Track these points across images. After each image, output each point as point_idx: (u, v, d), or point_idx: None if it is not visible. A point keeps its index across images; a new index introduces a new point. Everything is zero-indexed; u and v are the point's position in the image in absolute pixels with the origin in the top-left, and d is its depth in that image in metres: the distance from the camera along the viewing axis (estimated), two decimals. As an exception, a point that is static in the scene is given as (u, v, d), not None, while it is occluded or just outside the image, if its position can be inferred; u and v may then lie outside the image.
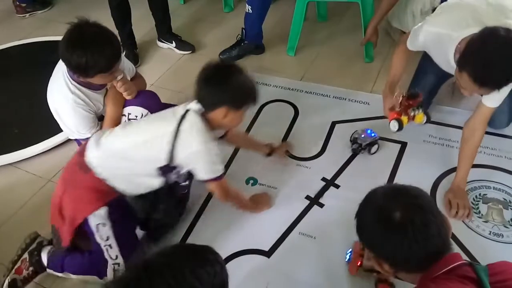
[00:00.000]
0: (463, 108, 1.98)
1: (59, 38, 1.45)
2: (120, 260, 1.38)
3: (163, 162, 1.34)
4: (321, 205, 1.66)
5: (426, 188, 1.69)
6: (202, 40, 2.74)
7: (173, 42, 2.63)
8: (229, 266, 1.44)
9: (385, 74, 2.26)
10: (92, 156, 1.38)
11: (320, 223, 1.60)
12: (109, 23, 2.40)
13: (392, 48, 2.44)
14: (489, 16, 1.37)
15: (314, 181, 1.75)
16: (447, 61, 1.47)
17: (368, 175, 1.69)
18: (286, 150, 1.84)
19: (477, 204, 1.62)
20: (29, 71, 2.46)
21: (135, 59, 2.49)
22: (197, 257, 0.85)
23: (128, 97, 1.63)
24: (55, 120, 1.64)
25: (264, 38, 2.52)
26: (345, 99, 2.15)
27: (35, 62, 2.54)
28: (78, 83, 1.54)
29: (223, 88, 1.34)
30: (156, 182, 1.40)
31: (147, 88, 1.87)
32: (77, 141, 1.71)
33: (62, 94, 1.54)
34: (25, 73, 2.46)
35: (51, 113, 1.62)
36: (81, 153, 1.41)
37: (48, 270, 1.48)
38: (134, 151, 1.36)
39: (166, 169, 1.36)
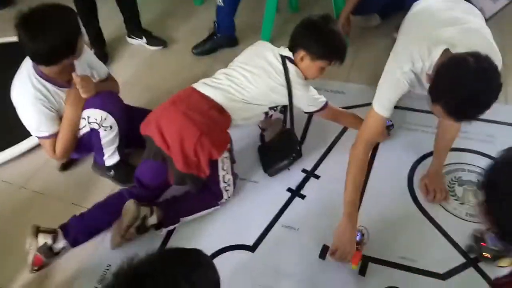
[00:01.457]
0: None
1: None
2: (230, 182, 1.60)
3: (283, 103, 1.61)
4: (303, 197, 1.67)
5: (404, 173, 1.73)
6: (173, 35, 2.68)
7: (144, 37, 2.57)
8: (214, 263, 1.47)
9: (358, 63, 2.29)
10: (223, 100, 1.51)
11: (302, 214, 1.61)
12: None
13: (365, 35, 2.47)
14: (447, 31, 1.33)
15: (295, 173, 1.76)
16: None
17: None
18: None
19: (453, 187, 1.67)
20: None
21: (105, 57, 2.42)
22: (188, 262, 0.83)
23: (83, 95, 1.55)
24: (23, 124, 1.58)
25: (237, 31, 2.50)
26: (321, 89, 2.13)
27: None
28: (43, 77, 1.48)
29: (316, 33, 1.52)
30: (262, 116, 1.65)
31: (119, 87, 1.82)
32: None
33: (23, 88, 1.49)
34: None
35: (17, 116, 1.56)
36: (204, 96, 1.50)
37: (163, 230, 1.54)
38: (262, 97, 1.55)
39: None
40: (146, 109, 1.73)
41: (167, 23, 2.80)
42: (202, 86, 1.54)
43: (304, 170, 1.76)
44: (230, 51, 2.47)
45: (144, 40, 2.57)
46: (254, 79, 1.53)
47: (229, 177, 1.59)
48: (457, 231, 1.52)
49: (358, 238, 1.41)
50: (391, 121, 1.80)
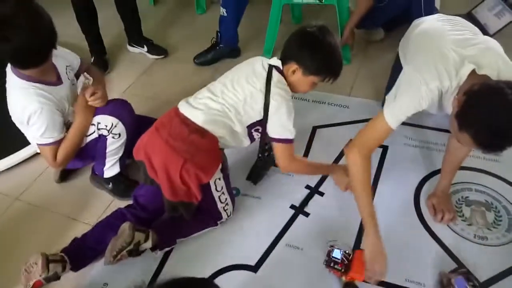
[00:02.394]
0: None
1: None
2: (228, 201, 1.54)
3: (258, 117, 1.43)
4: (307, 214, 1.63)
5: (410, 192, 1.69)
6: (174, 44, 2.65)
7: (145, 46, 2.52)
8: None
9: (362, 76, 2.27)
10: (204, 121, 1.41)
11: (306, 233, 1.56)
12: (73, 27, 2.29)
13: (369, 49, 2.45)
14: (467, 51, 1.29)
15: (298, 190, 1.71)
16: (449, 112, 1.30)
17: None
18: None
19: (460, 207, 1.63)
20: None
21: (105, 66, 2.38)
22: None
23: (100, 105, 1.52)
24: (20, 134, 1.52)
25: (240, 41, 2.47)
26: (324, 102, 2.13)
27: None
28: (34, 81, 1.40)
29: (308, 46, 1.39)
30: (248, 140, 1.51)
31: (118, 96, 1.77)
32: None
33: (21, 94, 1.41)
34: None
35: (13, 125, 1.50)
36: (184, 120, 1.41)
37: (158, 252, 1.49)
38: (240, 108, 1.42)
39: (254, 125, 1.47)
40: (152, 118, 1.68)
41: (168, 31, 2.77)
42: (185, 107, 1.44)
43: (307, 187, 1.72)
44: (232, 62, 2.43)
45: (145, 48, 2.52)
46: (232, 86, 1.43)
47: (225, 196, 1.53)
48: (465, 253, 1.47)
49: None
50: None
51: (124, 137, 1.57)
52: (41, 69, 1.39)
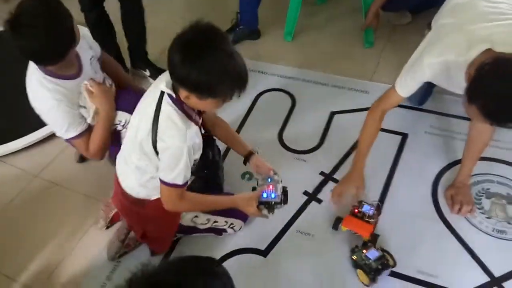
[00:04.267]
0: (466, 97, 1.90)
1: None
2: (229, 220, 1.47)
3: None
4: (319, 201, 1.61)
5: (428, 182, 1.64)
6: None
7: (147, 70, 2.20)
8: (224, 266, 1.43)
9: (386, 61, 2.19)
10: (133, 190, 1.33)
11: (318, 220, 1.55)
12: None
13: (394, 33, 2.36)
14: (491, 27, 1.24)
15: (312, 176, 1.69)
16: (461, 88, 1.26)
17: (368, 168, 1.61)
18: (269, 172, 1.44)
19: (480, 199, 1.57)
20: (10, 62, 2.32)
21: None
22: (205, 272, 0.79)
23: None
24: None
25: (260, 23, 2.42)
26: (344, 87, 2.07)
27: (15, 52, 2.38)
28: (53, 76, 1.41)
29: (189, 64, 1.04)
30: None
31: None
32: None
33: (40, 96, 1.41)
34: (5, 65, 2.31)
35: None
36: (124, 194, 1.35)
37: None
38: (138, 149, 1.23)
39: None
40: None
41: (188, 11, 2.74)
42: (119, 172, 1.38)
43: (322, 173, 1.70)
44: (252, 44, 2.40)
45: (148, 73, 2.20)
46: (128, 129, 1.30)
47: (219, 220, 1.45)
48: (482, 247, 1.43)
49: (371, 211, 1.42)
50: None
51: None
52: (59, 65, 1.39)
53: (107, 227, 1.56)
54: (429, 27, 1.60)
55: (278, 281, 1.40)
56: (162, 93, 1.15)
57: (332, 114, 1.94)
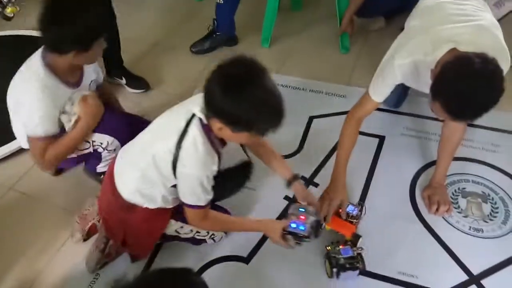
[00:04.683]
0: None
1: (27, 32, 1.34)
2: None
3: (172, 181, 1.23)
4: (300, 205, 1.61)
5: (406, 183, 1.67)
6: (168, 32, 2.60)
7: (123, 78, 2.14)
8: (206, 275, 1.41)
9: (361, 66, 2.23)
10: (128, 193, 1.29)
11: (299, 224, 1.55)
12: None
13: (369, 38, 2.41)
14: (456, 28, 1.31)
15: (293, 180, 1.69)
16: (429, 87, 1.30)
17: (347, 171, 1.63)
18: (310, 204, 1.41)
19: (456, 199, 1.61)
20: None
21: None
22: (182, 283, 0.79)
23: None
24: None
25: (237, 29, 2.43)
26: (322, 92, 2.10)
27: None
28: (51, 70, 1.40)
29: (230, 98, 1.04)
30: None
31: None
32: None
33: (28, 83, 1.39)
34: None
35: (7, 116, 1.50)
36: (115, 193, 1.31)
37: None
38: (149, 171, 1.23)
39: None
40: (146, 120, 1.60)
41: (164, 20, 2.72)
42: (118, 167, 1.33)
43: (302, 177, 1.70)
44: (229, 50, 2.39)
45: (124, 81, 2.15)
46: (145, 140, 1.28)
47: (201, 230, 1.42)
48: (459, 246, 1.46)
49: (354, 212, 1.44)
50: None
51: (118, 148, 1.52)
52: (70, 67, 1.40)
53: (84, 240, 1.52)
54: (402, 31, 1.64)
55: (262, 287, 1.39)
56: (193, 115, 1.15)
57: (311, 118, 1.95)
